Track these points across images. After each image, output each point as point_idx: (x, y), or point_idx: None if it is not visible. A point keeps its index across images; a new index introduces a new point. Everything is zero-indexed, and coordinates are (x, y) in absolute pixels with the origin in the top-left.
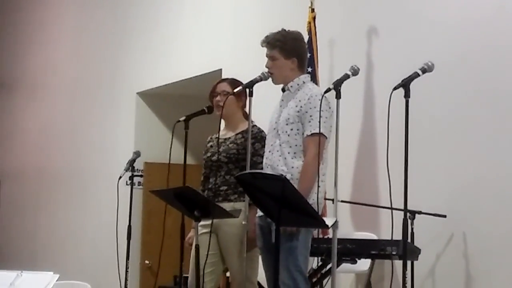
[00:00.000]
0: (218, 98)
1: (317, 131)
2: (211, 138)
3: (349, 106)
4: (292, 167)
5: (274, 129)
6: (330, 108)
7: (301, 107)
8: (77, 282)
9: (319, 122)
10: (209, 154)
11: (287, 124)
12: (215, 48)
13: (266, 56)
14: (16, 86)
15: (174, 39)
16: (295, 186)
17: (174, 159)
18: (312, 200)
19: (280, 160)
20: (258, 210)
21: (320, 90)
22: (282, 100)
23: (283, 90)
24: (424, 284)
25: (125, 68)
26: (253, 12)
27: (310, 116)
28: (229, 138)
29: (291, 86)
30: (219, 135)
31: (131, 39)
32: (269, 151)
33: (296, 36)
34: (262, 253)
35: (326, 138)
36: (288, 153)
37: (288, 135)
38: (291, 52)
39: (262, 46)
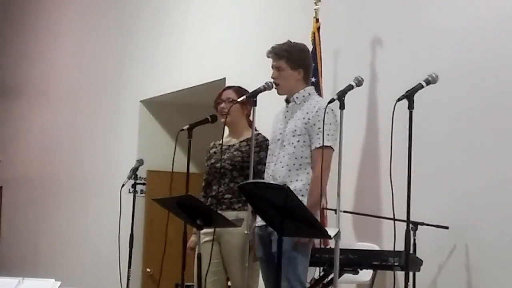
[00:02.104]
0: (222, 105)
1: (326, 144)
2: (214, 144)
3: (352, 116)
4: (297, 180)
5: (279, 140)
6: (336, 121)
7: (309, 119)
8: None
9: (327, 134)
10: (213, 161)
11: (293, 136)
12: (219, 57)
13: (272, 67)
14: (19, 92)
15: (178, 47)
16: (299, 197)
17: (177, 167)
18: None
19: (283, 171)
20: (257, 220)
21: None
22: (287, 111)
23: (287, 101)
24: None
25: (129, 76)
26: (258, 21)
27: (319, 128)
28: (234, 145)
29: (297, 98)
30: (222, 142)
31: (135, 47)
32: (273, 162)
33: (302, 47)
34: (262, 263)
35: (334, 150)
36: (294, 164)
37: (294, 147)
38: (298, 63)
39: (268, 57)
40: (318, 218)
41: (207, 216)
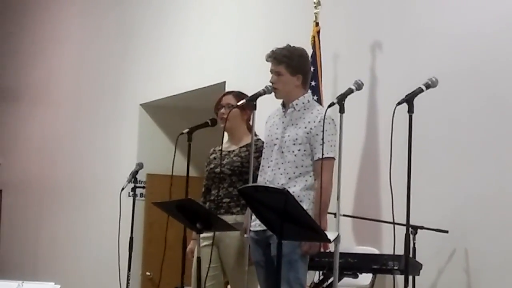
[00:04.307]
0: (222, 110)
1: (330, 155)
2: (214, 150)
3: (352, 120)
4: (295, 186)
5: (275, 145)
6: (336, 131)
7: (311, 129)
8: None
9: (330, 146)
10: (212, 166)
11: (294, 144)
12: (218, 60)
13: (271, 71)
14: (19, 96)
15: (178, 51)
16: None
17: (176, 171)
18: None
19: (282, 178)
20: (253, 224)
21: (328, 112)
22: (285, 116)
23: (283, 105)
24: None
25: (129, 79)
26: (257, 25)
27: (322, 139)
28: (233, 151)
29: (296, 104)
30: (222, 148)
31: (135, 51)
32: (269, 167)
33: (302, 53)
34: (258, 267)
35: (335, 160)
36: (294, 173)
37: (295, 155)
38: (297, 69)
39: (267, 61)
40: (326, 227)
41: (207, 220)
